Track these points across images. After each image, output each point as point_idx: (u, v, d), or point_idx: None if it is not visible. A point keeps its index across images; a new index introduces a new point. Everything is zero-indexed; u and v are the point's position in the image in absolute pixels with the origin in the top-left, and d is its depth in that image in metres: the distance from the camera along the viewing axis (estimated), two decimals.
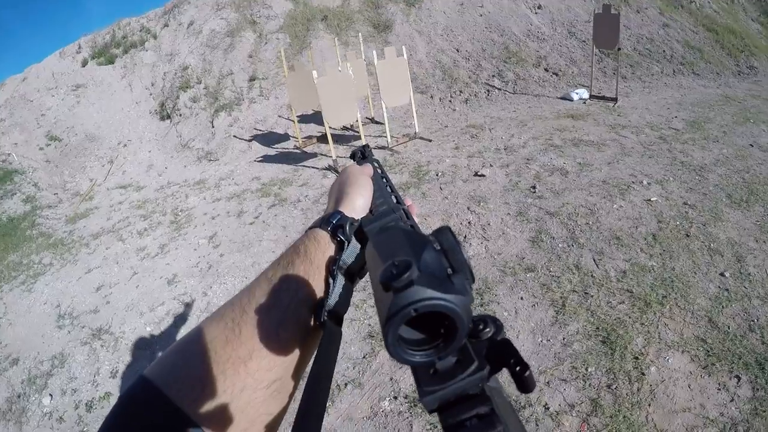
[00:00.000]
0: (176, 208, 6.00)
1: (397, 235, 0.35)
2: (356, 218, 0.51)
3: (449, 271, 0.30)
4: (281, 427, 0.46)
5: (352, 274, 0.48)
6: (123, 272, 4.73)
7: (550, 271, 3.61)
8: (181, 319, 3.85)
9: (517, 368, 0.28)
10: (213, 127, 8.23)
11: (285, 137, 7.81)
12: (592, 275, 3.50)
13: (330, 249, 0.48)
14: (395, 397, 2.80)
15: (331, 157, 6.08)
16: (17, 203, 6.77)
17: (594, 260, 3.65)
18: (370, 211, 0.57)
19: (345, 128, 7.50)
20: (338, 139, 7.09)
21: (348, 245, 0.48)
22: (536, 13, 10.80)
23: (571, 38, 10.05)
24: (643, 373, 2.67)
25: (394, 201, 0.60)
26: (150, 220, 5.79)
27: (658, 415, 2.45)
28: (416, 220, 0.55)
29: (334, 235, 0.49)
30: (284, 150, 7.37)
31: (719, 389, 2.55)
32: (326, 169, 6.17)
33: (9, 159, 7.69)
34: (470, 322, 0.29)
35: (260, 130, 8.11)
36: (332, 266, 0.46)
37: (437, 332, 0.30)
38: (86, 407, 3.27)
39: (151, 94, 9.23)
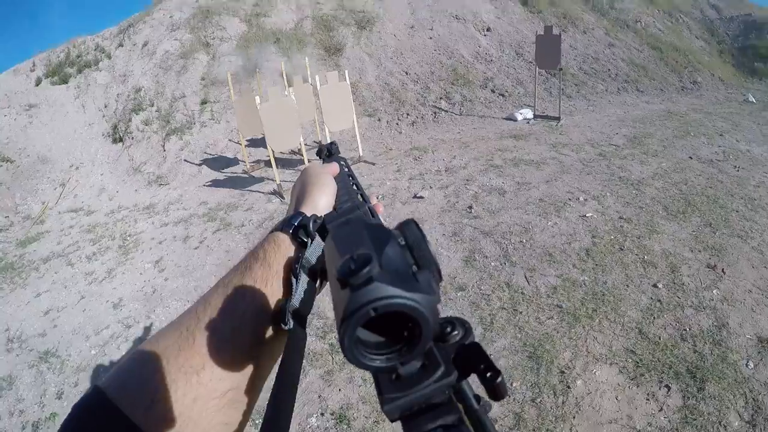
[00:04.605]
0: (125, 232, 6.23)
1: (358, 228, 0.33)
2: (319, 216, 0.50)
3: (414, 268, 0.28)
4: None
5: (315, 273, 0.46)
6: (71, 296, 4.97)
7: (480, 290, 3.69)
8: (124, 342, 4.15)
9: (488, 374, 0.27)
10: (164, 150, 8.44)
11: (234, 161, 8.09)
12: (522, 292, 3.58)
13: (291, 251, 0.47)
14: (322, 414, 2.91)
15: (275, 181, 6.43)
16: None
17: (525, 277, 3.74)
18: (335, 208, 0.56)
19: (293, 152, 7.81)
20: (285, 164, 7.43)
21: (311, 243, 0.46)
22: (485, 35, 11.31)
23: (519, 59, 10.53)
24: (568, 387, 2.71)
25: (360, 199, 0.59)
26: (99, 245, 6.01)
27: (583, 428, 2.47)
28: (381, 220, 0.54)
29: (295, 237, 0.47)
30: (233, 174, 7.63)
31: (648, 400, 2.58)
32: (271, 193, 6.49)
33: None
34: (436, 324, 0.27)
35: (210, 154, 8.37)
36: (295, 264, 0.45)
37: (400, 334, 0.27)
38: (33, 427, 3.51)
39: (104, 116, 9.34)
